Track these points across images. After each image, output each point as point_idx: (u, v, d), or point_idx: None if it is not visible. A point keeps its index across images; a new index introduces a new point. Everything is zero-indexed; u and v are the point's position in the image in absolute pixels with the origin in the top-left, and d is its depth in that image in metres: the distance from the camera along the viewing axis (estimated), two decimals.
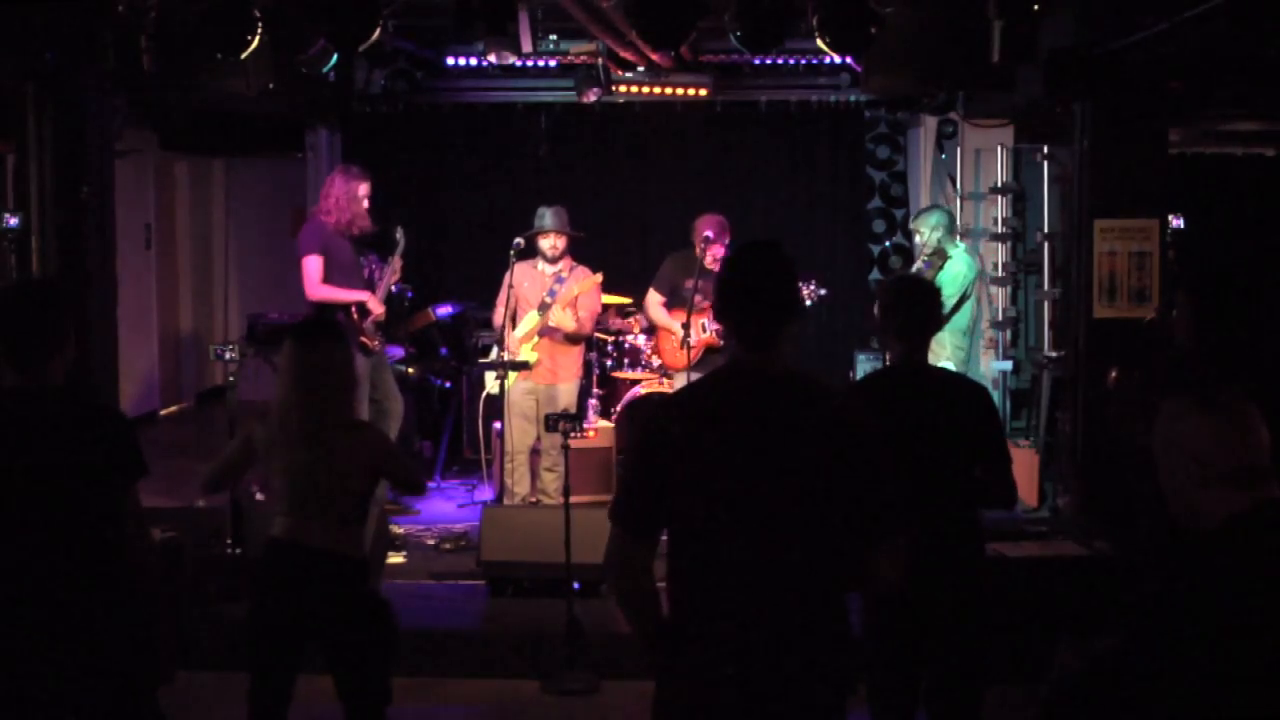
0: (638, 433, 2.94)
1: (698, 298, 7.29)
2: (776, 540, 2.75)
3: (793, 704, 2.76)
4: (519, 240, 7.25)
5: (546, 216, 7.36)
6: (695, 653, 2.80)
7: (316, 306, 7.21)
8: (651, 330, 8.06)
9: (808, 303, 7.74)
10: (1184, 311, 4.20)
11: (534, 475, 7.53)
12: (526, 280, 7.38)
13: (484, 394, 7.79)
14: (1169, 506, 2.61)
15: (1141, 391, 4.35)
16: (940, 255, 7.94)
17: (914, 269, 8.20)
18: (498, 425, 7.69)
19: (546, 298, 7.36)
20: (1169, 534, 2.75)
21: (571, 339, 7.39)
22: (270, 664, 4.06)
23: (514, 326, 7.41)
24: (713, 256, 7.33)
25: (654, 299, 7.78)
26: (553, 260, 7.38)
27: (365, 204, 7.17)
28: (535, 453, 7.53)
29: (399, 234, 7.49)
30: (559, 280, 7.38)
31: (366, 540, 4.22)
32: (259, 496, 7.22)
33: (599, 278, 7.44)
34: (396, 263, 7.43)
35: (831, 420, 2.82)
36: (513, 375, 7.29)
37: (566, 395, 7.42)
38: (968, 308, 7.92)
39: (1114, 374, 5.52)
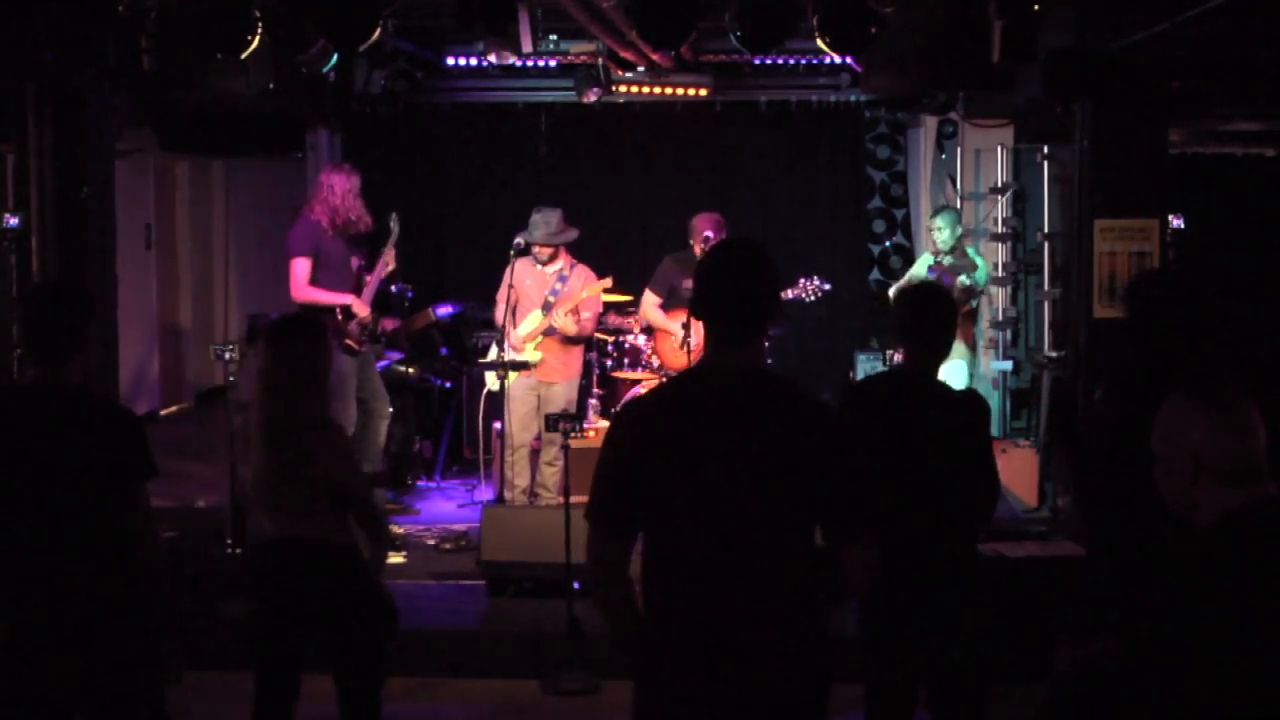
0: (611, 431, 2.92)
1: None
2: (750, 539, 2.74)
3: (769, 704, 2.74)
4: (519, 240, 7.25)
5: (536, 226, 7.31)
6: (671, 653, 2.79)
7: (302, 307, 7.23)
8: (650, 331, 8.07)
9: (811, 298, 7.75)
10: (1124, 323, 4.26)
11: (533, 471, 7.54)
12: (528, 278, 7.38)
13: (484, 392, 7.79)
14: (1165, 500, 2.62)
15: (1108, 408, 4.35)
16: (963, 255, 7.97)
17: (947, 262, 8.14)
18: (498, 425, 7.70)
19: (549, 297, 7.36)
20: (1162, 531, 2.76)
21: (573, 339, 7.41)
22: (275, 663, 4.06)
23: (515, 324, 7.41)
24: (698, 255, 7.36)
25: (649, 300, 7.79)
26: (546, 263, 7.37)
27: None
28: (534, 451, 7.53)
29: (392, 222, 7.47)
30: (561, 279, 7.39)
31: (352, 526, 4.17)
32: None
33: (607, 283, 7.43)
34: (390, 254, 7.40)
35: (803, 420, 2.80)
36: (513, 374, 7.30)
37: (566, 393, 7.43)
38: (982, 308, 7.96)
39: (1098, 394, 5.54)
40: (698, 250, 7.44)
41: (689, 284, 7.29)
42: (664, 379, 7.99)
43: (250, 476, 4.12)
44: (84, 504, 3.46)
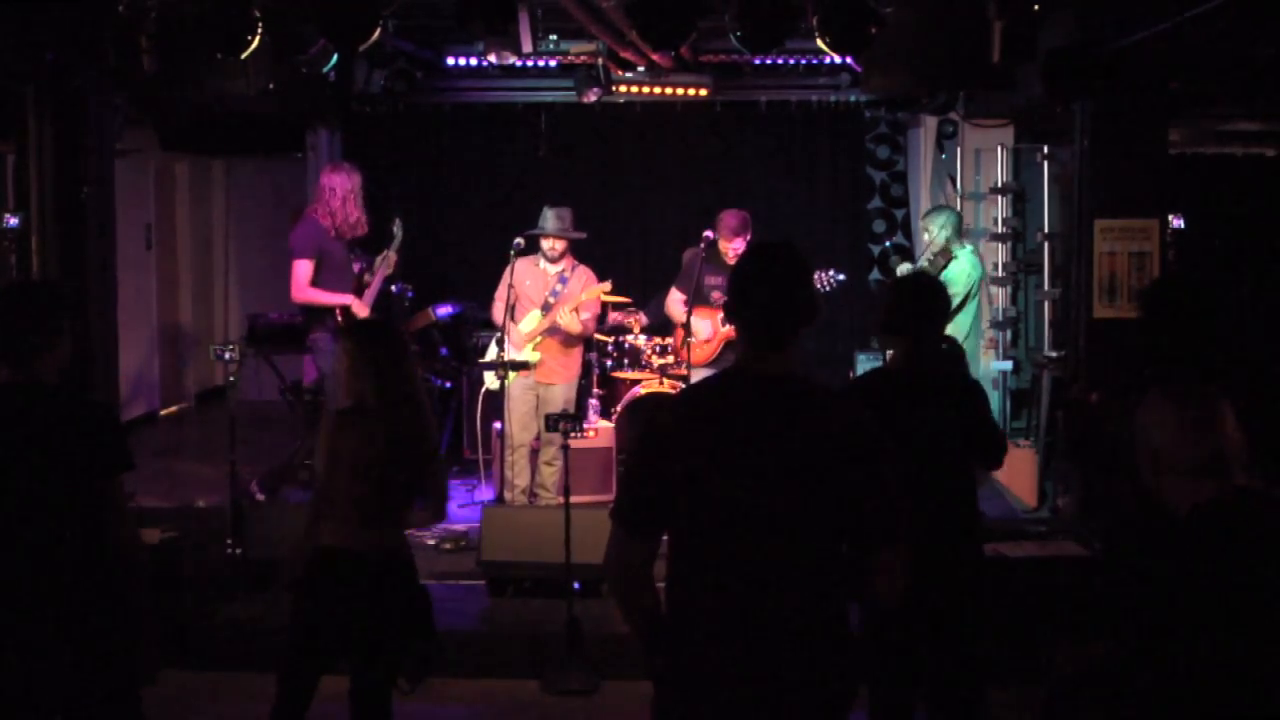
0: (640, 432, 2.91)
1: (715, 294, 7.35)
2: (777, 544, 2.74)
3: (793, 707, 2.75)
4: (519, 240, 7.26)
5: (548, 219, 7.35)
6: (694, 655, 2.79)
7: (303, 308, 7.23)
8: (670, 329, 8.06)
9: (826, 289, 7.74)
10: (1139, 322, 4.30)
11: (533, 471, 7.54)
12: (529, 278, 7.39)
13: (483, 390, 7.80)
14: (1144, 494, 2.65)
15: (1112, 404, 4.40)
16: (945, 255, 7.94)
17: (915, 267, 8.19)
18: (497, 425, 7.70)
19: (550, 297, 7.36)
20: (1142, 525, 2.78)
21: (573, 340, 7.40)
22: (309, 670, 3.97)
23: (514, 323, 7.41)
24: (724, 252, 7.37)
25: (675, 297, 7.75)
26: (553, 261, 7.39)
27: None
28: (534, 451, 7.53)
29: (395, 226, 7.46)
30: (562, 280, 7.39)
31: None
32: (259, 497, 7.23)
33: (606, 286, 7.42)
34: (392, 257, 7.41)
35: (836, 426, 2.80)
36: (512, 374, 7.30)
37: (565, 394, 7.43)
38: (971, 311, 7.89)
39: (1095, 397, 5.58)
40: (722, 246, 7.41)
41: (711, 280, 7.36)
42: (664, 379, 8.00)
43: (353, 481, 3.97)
44: (59, 500, 3.46)
